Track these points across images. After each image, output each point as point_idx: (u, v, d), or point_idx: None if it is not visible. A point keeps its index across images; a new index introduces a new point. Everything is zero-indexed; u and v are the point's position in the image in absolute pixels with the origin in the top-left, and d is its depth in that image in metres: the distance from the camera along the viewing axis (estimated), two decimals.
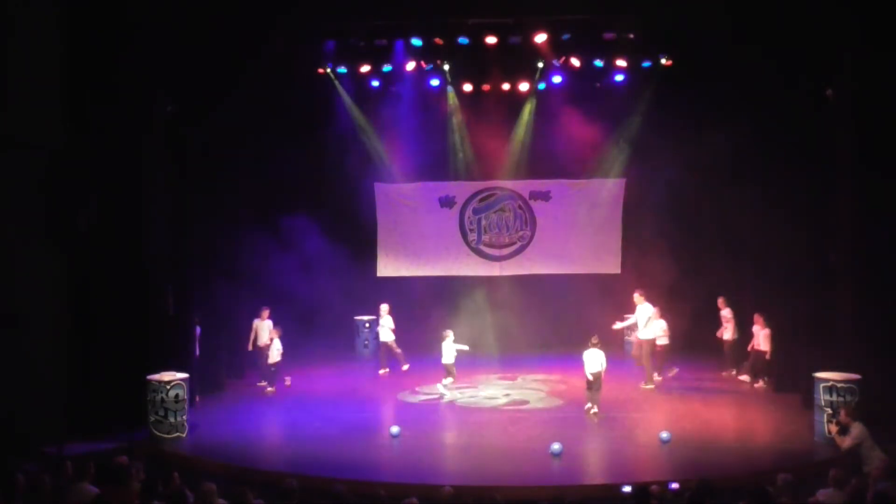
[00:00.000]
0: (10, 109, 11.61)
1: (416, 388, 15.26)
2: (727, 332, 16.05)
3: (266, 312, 15.72)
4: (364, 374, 16.88)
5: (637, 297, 15.50)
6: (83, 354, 12.63)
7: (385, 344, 16.58)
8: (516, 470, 11.02)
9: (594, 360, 13.20)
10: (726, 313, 16.08)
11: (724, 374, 15.95)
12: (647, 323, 15.22)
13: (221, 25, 13.96)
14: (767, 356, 14.85)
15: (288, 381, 15.65)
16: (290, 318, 17.10)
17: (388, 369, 16.62)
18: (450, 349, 14.65)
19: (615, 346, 15.97)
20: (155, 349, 12.98)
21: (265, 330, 15.57)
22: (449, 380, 14.65)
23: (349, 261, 18.18)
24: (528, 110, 18.51)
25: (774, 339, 14.74)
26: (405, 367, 16.33)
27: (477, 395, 14.79)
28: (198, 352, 14.39)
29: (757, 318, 15.01)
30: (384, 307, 16.65)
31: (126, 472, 8.11)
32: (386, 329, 16.56)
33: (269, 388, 15.13)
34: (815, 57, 13.16)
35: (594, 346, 13.36)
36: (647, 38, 16.40)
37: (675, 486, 8.10)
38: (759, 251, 15.44)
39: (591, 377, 13.17)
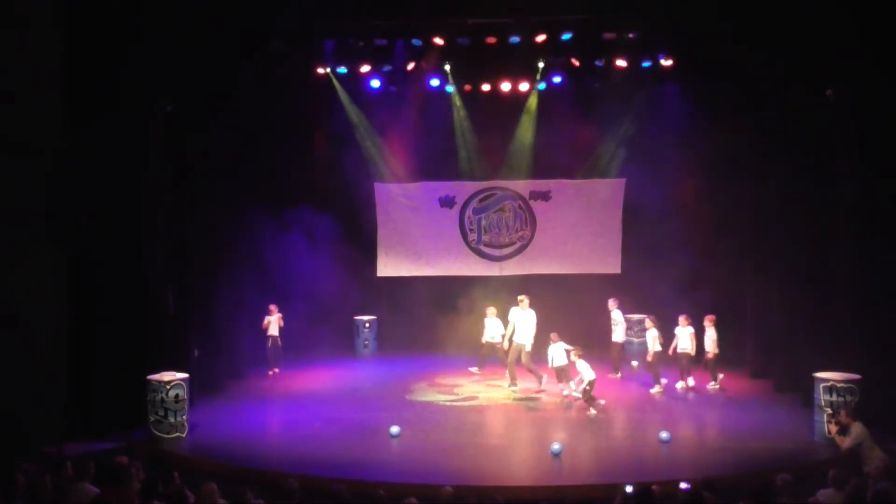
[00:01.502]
0: (10, 110, 11.60)
1: (455, 391, 15.21)
2: (615, 335, 15.97)
3: None
4: (364, 374, 16.88)
5: (522, 301, 15.35)
6: (83, 354, 12.62)
7: (277, 342, 16.70)
8: (516, 470, 11.02)
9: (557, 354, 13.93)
10: (616, 315, 15.97)
11: (609, 376, 15.78)
12: (527, 328, 15.09)
13: (221, 25, 13.95)
14: (650, 358, 14.78)
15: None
16: (290, 317, 17.14)
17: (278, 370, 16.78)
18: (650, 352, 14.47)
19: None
20: (155, 349, 12.98)
21: None
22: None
23: (349, 261, 18.21)
24: (529, 110, 18.52)
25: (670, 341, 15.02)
26: (272, 373, 16.56)
27: (477, 395, 14.78)
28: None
29: (647, 320, 15.07)
30: (273, 307, 16.71)
31: (126, 472, 8.10)
32: (276, 327, 16.67)
33: None
34: (815, 57, 13.16)
35: (554, 341, 14.12)
36: (647, 38, 16.41)
37: (684, 485, 8.07)
38: (760, 251, 15.45)
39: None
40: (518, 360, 15.00)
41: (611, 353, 16.04)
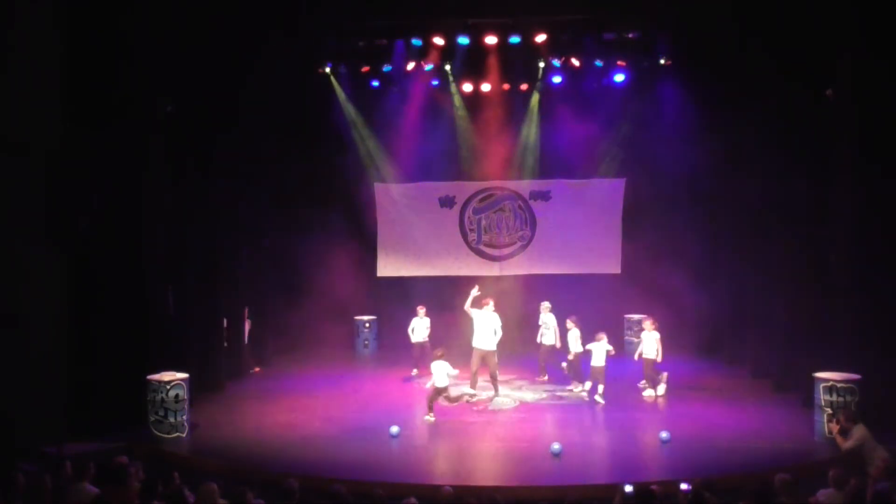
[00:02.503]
0: (10, 110, 11.59)
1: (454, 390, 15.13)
2: (545, 337, 15.56)
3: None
4: (364, 374, 16.88)
5: (487, 304, 15.12)
6: (83, 354, 12.62)
7: (247, 346, 16.76)
8: (516, 470, 11.02)
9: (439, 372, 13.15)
10: (546, 318, 15.61)
11: (536, 379, 15.64)
12: (485, 332, 14.83)
13: (221, 25, 13.97)
14: (571, 357, 14.70)
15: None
16: (290, 317, 17.14)
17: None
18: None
19: (615, 345, 15.90)
20: (155, 349, 12.99)
21: None
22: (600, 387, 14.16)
23: (349, 261, 18.21)
24: (529, 110, 18.53)
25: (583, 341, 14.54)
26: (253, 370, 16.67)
27: (477, 396, 14.76)
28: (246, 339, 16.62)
29: (569, 321, 14.80)
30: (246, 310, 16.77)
31: (126, 472, 8.10)
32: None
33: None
34: (815, 56, 13.17)
35: (438, 358, 13.29)
36: (647, 38, 16.42)
37: (685, 486, 8.06)
38: (759, 251, 15.44)
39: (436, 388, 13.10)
40: (480, 365, 14.20)
41: (539, 355, 15.63)
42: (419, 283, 19.03)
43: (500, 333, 14.36)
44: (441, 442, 12.18)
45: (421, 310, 16.37)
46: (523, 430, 12.60)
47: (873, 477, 8.87)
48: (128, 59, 12.74)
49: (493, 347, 14.23)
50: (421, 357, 16.14)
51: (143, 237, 13.13)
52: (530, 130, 18.72)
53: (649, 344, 14.47)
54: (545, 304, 15.94)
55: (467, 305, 14.51)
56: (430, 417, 13.01)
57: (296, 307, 17.38)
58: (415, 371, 16.23)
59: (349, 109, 18.49)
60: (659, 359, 14.39)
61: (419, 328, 16.24)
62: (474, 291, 14.59)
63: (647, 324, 14.67)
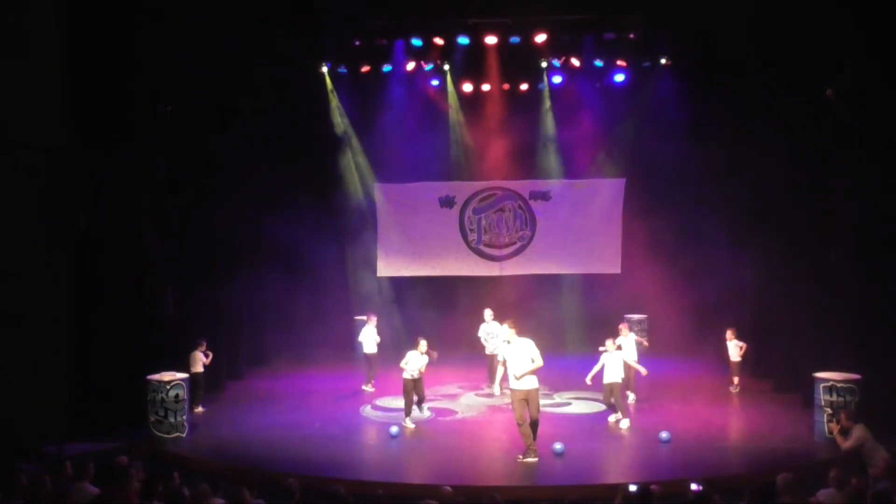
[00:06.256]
0: (11, 111, 11.60)
1: (456, 390, 15.11)
2: (489, 347, 14.70)
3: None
4: (363, 374, 16.85)
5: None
6: (83, 354, 12.63)
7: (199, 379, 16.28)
8: (516, 470, 11.01)
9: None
10: (491, 327, 14.85)
11: (484, 387, 15.16)
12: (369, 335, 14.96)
13: (222, 26, 13.98)
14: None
15: None
16: (290, 317, 17.13)
17: None
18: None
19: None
20: (155, 349, 12.99)
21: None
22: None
23: (349, 260, 18.20)
24: (529, 110, 18.52)
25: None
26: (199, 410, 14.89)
27: (477, 396, 14.78)
28: None
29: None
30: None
31: (126, 472, 8.10)
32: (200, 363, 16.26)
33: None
34: (815, 56, 13.17)
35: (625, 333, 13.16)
36: (647, 38, 16.43)
37: (695, 486, 8.04)
38: (759, 251, 15.44)
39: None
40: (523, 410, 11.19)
41: (488, 366, 14.69)
42: (419, 283, 19.03)
43: (539, 362, 10.96)
44: (441, 442, 12.17)
45: (373, 318, 15.55)
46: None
47: (874, 477, 8.87)
48: (128, 59, 12.76)
49: (536, 385, 11.14)
50: (372, 369, 15.30)
51: (143, 237, 13.14)
52: (531, 130, 18.70)
53: (616, 364, 12.63)
54: (489, 312, 15.15)
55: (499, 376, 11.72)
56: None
57: (296, 307, 17.35)
58: (368, 385, 15.29)
59: (349, 109, 18.46)
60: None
61: (369, 337, 15.30)
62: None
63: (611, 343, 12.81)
